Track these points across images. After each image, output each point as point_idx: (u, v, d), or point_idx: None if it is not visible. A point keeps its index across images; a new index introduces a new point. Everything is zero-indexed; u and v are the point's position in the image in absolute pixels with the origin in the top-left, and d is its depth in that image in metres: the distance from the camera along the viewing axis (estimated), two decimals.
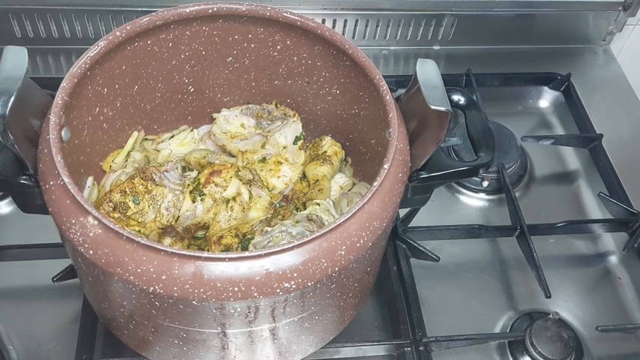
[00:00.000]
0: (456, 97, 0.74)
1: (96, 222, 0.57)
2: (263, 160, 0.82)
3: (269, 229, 0.72)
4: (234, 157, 0.83)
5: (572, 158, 1.08)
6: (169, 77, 0.78)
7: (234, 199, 0.75)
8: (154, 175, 0.74)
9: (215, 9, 0.72)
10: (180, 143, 0.84)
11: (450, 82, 0.82)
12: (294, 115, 0.83)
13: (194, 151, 0.83)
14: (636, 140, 1.11)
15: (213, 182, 0.75)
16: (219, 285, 0.55)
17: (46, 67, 1.11)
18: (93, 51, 0.66)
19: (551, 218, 0.95)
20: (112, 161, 0.79)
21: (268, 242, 0.70)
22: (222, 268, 0.55)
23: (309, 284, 0.57)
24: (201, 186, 0.75)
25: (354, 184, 0.82)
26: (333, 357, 0.81)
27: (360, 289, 0.72)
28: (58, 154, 0.59)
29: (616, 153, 1.06)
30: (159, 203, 0.74)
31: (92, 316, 0.79)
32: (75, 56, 1.10)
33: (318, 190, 0.78)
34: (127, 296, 0.61)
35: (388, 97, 0.67)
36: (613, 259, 0.96)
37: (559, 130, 1.13)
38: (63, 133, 0.64)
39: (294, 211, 0.78)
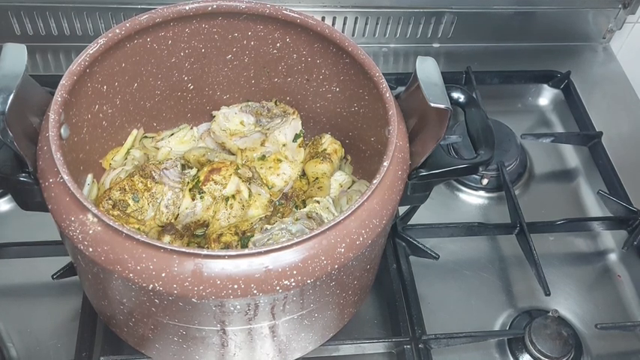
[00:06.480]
0: (455, 95, 0.74)
1: (95, 219, 0.57)
2: (262, 157, 0.82)
3: (268, 226, 0.72)
4: (233, 154, 0.83)
5: (571, 156, 1.08)
6: (169, 75, 0.78)
7: (233, 196, 0.75)
8: (153, 172, 0.74)
9: (215, 6, 0.72)
10: (180, 141, 0.84)
11: (450, 80, 0.82)
12: (293, 113, 0.83)
13: (193, 149, 0.83)
14: (636, 138, 1.11)
15: (212, 180, 0.75)
16: (218, 282, 0.55)
17: (46, 65, 1.10)
18: (92, 48, 0.66)
19: (550, 216, 0.95)
20: (112, 159, 0.79)
21: (268, 240, 0.70)
22: (221, 266, 0.55)
23: (309, 282, 0.57)
24: (200, 184, 0.75)
25: (353, 181, 0.82)
26: (333, 354, 0.81)
27: (359, 286, 0.72)
28: (57, 151, 0.59)
29: (616, 151, 1.06)
30: (158, 201, 0.74)
31: (92, 314, 0.79)
32: (74, 54, 1.10)
33: (318, 188, 0.78)
34: (126, 294, 0.61)
35: (388, 95, 0.67)
36: (612, 256, 0.96)
37: (559, 128, 1.13)
38: (62, 130, 0.63)
39: (294, 209, 0.78)
